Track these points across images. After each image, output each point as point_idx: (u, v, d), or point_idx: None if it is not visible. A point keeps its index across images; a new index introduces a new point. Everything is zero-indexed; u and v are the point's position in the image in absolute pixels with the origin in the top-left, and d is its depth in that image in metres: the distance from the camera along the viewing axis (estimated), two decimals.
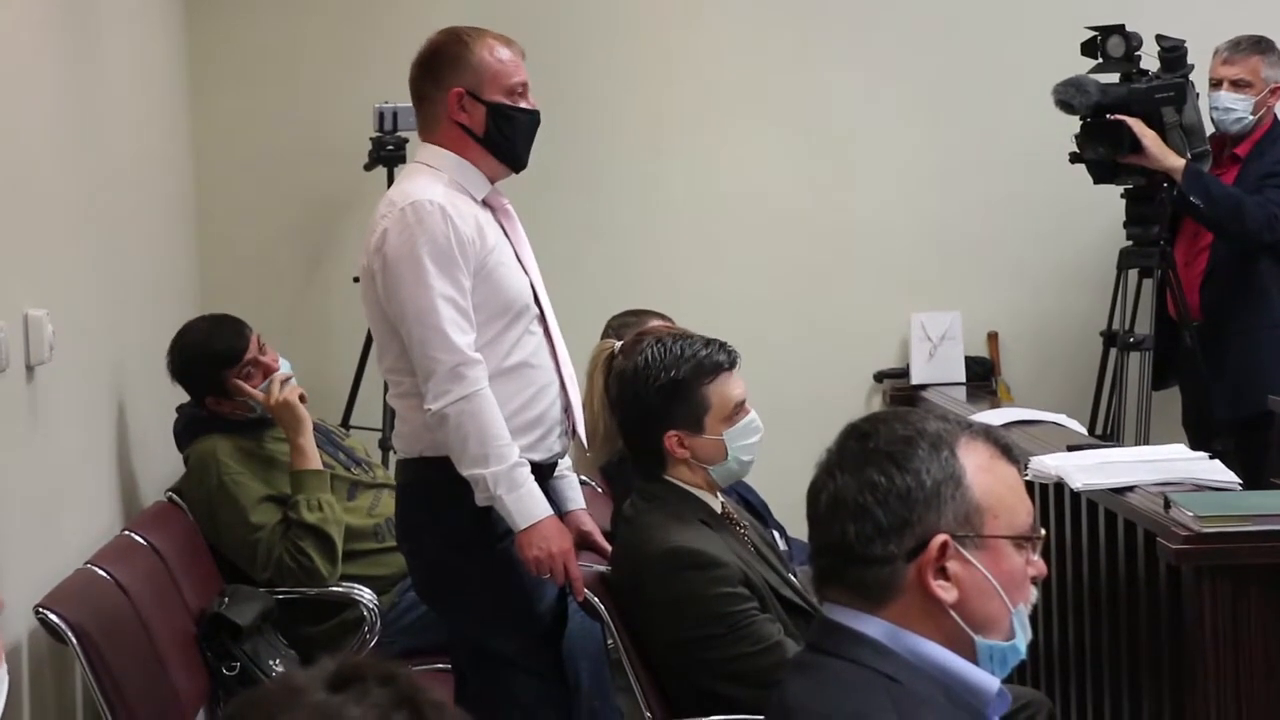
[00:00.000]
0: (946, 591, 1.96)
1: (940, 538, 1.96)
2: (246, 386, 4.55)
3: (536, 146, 3.76)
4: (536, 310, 3.67)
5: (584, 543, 3.75)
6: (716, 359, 3.52)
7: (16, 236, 3.62)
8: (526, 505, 3.49)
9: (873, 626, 1.98)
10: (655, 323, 4.56)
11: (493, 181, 3.69)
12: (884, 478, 1.97)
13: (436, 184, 3.58)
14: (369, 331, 5.58)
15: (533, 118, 3.69)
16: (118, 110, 4.68)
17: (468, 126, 3.64)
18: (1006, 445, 2.05)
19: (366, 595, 4.44)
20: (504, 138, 3.66)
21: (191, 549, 4.36)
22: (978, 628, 1.98)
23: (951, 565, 1.96)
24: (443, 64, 3.66)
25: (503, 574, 3.56)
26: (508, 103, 3.65)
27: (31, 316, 3.65)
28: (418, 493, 3.66)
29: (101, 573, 3.71)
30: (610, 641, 3.65)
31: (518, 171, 3.75)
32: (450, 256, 3.50)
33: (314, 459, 4.50)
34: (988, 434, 2.05)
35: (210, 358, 4.57)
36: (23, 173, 3.68)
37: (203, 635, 4.11)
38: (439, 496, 3.56)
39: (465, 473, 3.48)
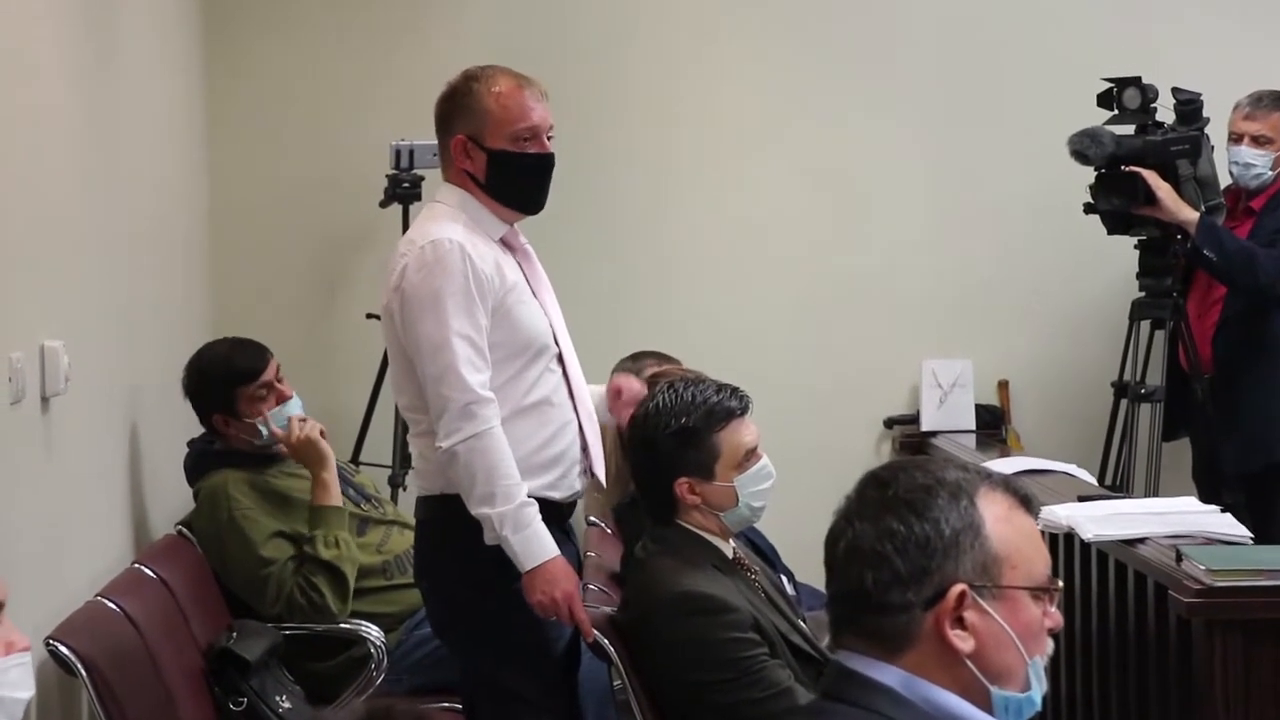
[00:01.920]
0: (963, 641, 1.96)
1: (958, 587, 1.95)
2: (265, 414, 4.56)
3: (550, 192, 3.75)
4: (555, 350, 3.67)
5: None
6: (728, 405, 3.52)
7: (36, 268, 3.63)
8: (532, 546, 3.49)
9: (889, 675, 1.98)
10: (656, 366, 4.56)
11: (511, 223, 3.70)
12: (903, 526, 1.97)
13: (455, 224, 3.60)
14: (380, 368, 5.62)
15: (541, 161, 3.67)
16: (136, 144, 4.71)
17: (471, 173, 3.66)
18: (1026, 496, 2.05)
19: (374, 632, 4.43)
20: (506, 184, 3.65)
21: (200, 583, 4.36)
22: (994, 678, 1.97)
23: (969, 615, 1.96)
24: (452, 108, 3.68)
25: (518, 611, 3.55)
26: (510, 149, 3.63)
27: (48, 348, 3.67)
28: (437, 529, 3.67)
29: (111, 605, 3.71)
30: (618, 683, 3.65)
31: (531, 214, 3.75)
32: (468, 294, 3.52)
33: (336, 495, 4.51)
34: (1007, 484, 2.05)
35: (228, 371, 4.58)
36: (43, 205, 3.70)
37: (211, 670, 4.10)
38: (457, 533, 3.56)
39: (474, 511, 3.49)
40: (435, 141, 5.53)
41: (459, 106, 3.66)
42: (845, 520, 2.03)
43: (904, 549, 1.97)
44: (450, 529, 3.59)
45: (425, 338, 3.51)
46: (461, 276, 3.51)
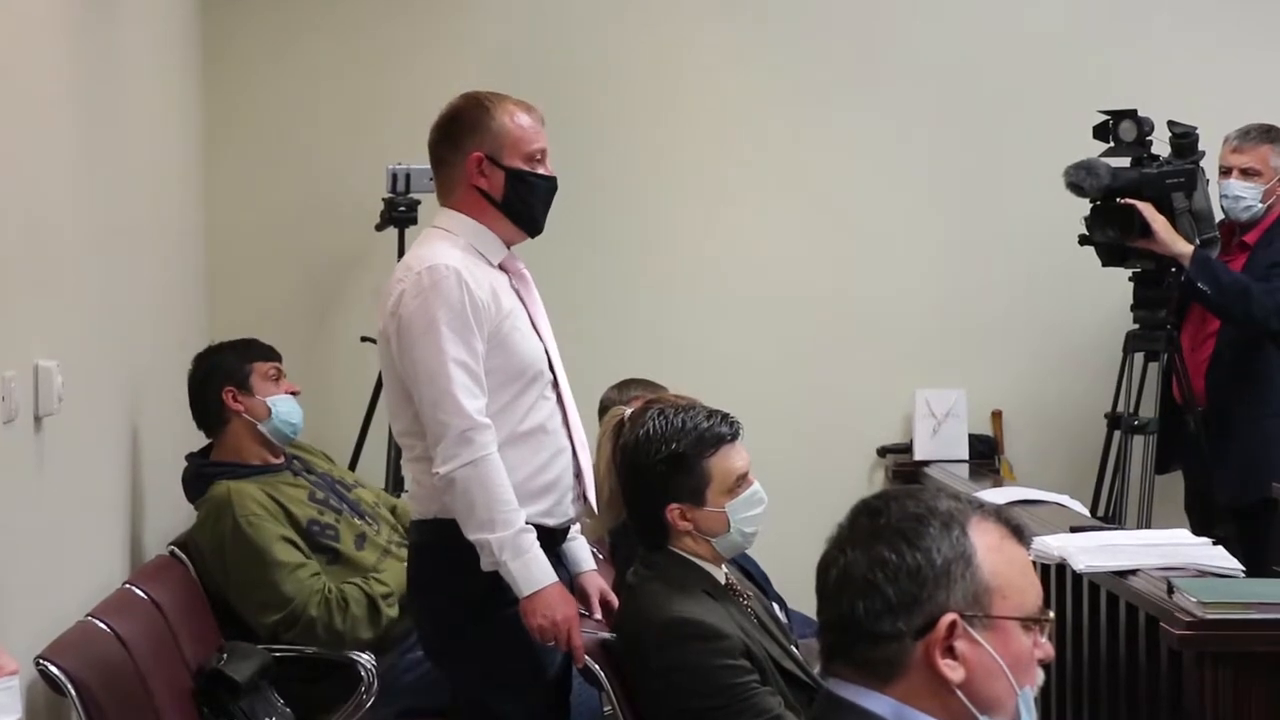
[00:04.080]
0: (954, 671, 1.96)
1: (949, 617, 1.96)
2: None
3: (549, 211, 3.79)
4: (550, 376, 3.68)
5: (587, 605, 3.75)
6: (718, 431, 3.52)
7: (31, 287, 3.63)
8: (531, 572, 3.49)
9: (879, 704, 1.98)
10: (643, 394, 4.56)
11: (509, 246, 3.71)
12: (894, 555, 1.98)
13: (453, 249, 3.60)
14: (375, 390, 5.63)
15: (550, 184, 3.71)
16: (132, 166, 4.71)
17: (486, 191, 3.66)
18: (1018, 526, 2.05)
19: (365, 656, 4.43)
20: (522, 203, 3.68)
21: (191, 604, 4.36)
22: (983, 708, 1.97)
23: (959, 645, 1.96)
24: (462, 128, 3.69)
25: (510, 636, 3.55)
26: (526, 169, 3.67)
27: (42, 367, 3.67)
28: (431, 553, 3.66)
29: (102, 625, 3.70)
30: (608, 709, 3.64)
31: (533, 236, 3.77)
32: (464, 321, 3.52)
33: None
34: (999, 515, 2.05)
35: (247, 346, 4.73)
36: (38, 226, 3.70)
37: (200, 691, 4.10)
38: (451, 558, 3.56)
39: (471, 537, 3.49)
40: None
41: (470, 125, 3.67)
42: (837, 548, 2.04)
43: (895, 578, 1.97)
44: (444, 553, 3.59)
45: (422, 363, 3.51)
46: (458, 302, 3.52)
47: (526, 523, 3.51)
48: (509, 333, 3.59)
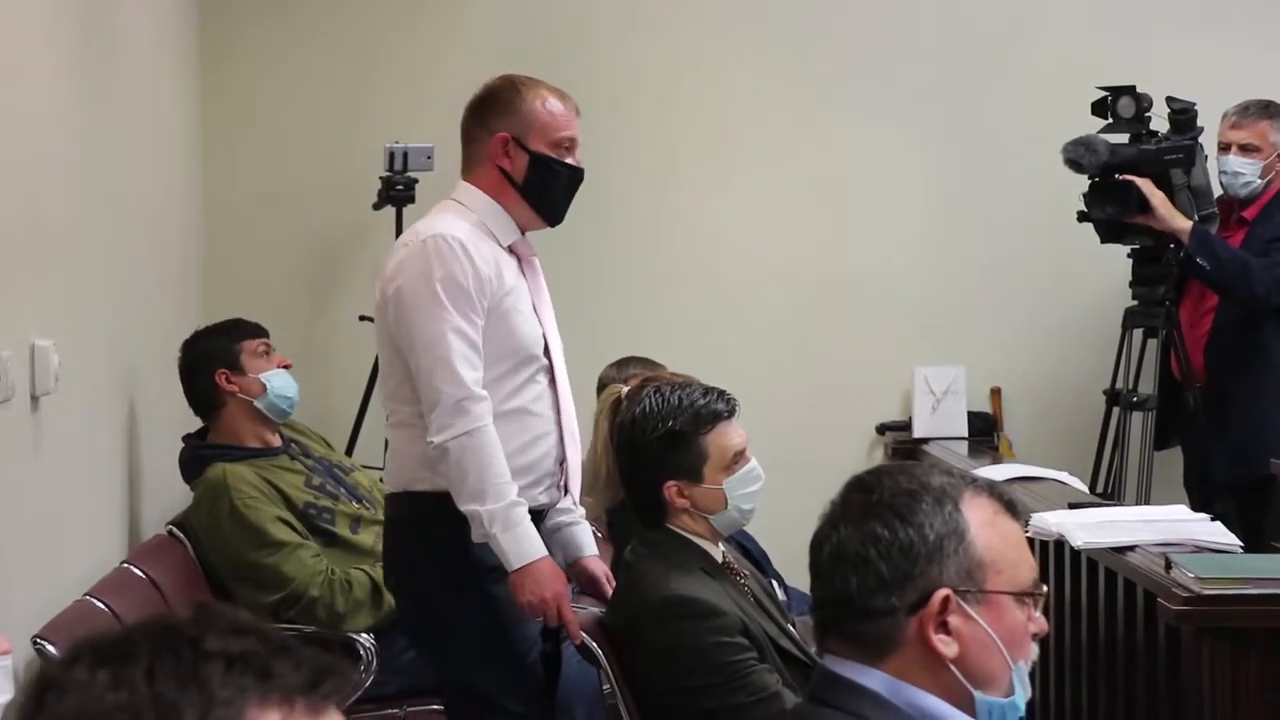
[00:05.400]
0: (947, 646, 1.96)
1: (942, 592, 1.95)
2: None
3: None
4: (545, 362, 3.66)
5: (596, 590, 3.75)
6: (715, 408, 3.51)
7: (27, 266, 3.63)
8: (522, 545, 3.48)
9: (873, 679, 1.98)
10: (641, 372, 4.56)
11: (523, 231, 3.70)
12: (887, 530, 1.98)
13: (463, 222, 3.59)
14: (373, 371, 5.61)
15: (574, 174, 3.70)
16: (129, 146, 4.71)
17: (508, 172, 3.65)
18: (1010, 501, 2.05)
19: (364, 635, 4.43)
20: (543, 189, 3.67)
21: (189, 583, 4.36)
22: (978, 683, 1.97)
23: (953, 620, 1.96)
24: (493, 107, 3.68)
25: (488, 612, 3.55)
26: (552, 155, 3.66)
27: (38, 347, 3.66)
28: (410, 527, 3.65)
29: (100, 605, 3.71)
30: (606, 687, 3.65)
31: (552, 225, 3.76)
32: (465, 291, 3.51)
33: None
34: (991, 489, 2.05)
35: (234, 326, 4.72)
36: (36, 205, 3.70)
37: None
38: (431, 532, 3.56)
39: (463, 508, 3.47)
40: (429, 145, 5.64)
41: (502, 106, 3.67)
42: (830, 525, 2.03)
43: (888, 554, 1.97)
44: (424, 527, 3.58)
45: (420, 331, 3.50)
46: (461, 274, 3.51)
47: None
48: (508, 310, 3.58)
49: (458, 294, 3.50)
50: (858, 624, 1.98)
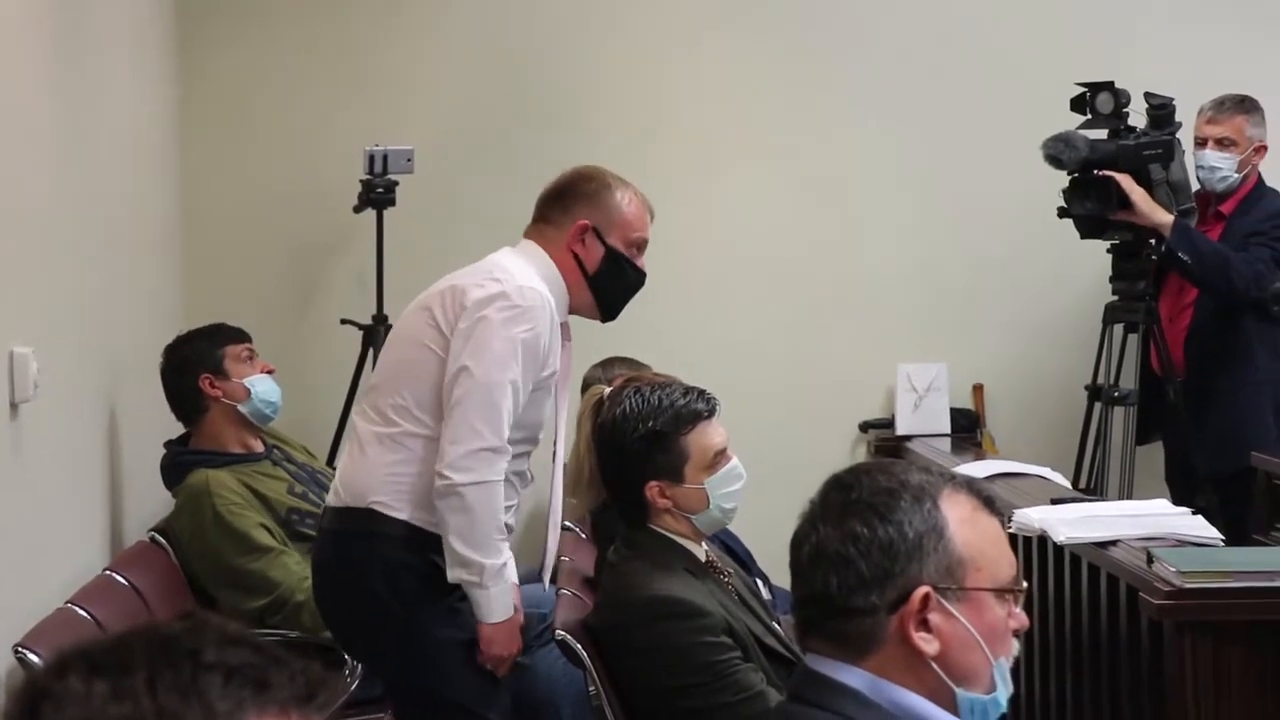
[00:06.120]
0: (928, 644, 1.96)
1: (922, 589, 1.96)
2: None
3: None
4: (537, 445, 3.75)
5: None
6: (695, 408, 3.52)
7: (5, 273, 3.62)
8: (504, 602, 3.57)
9: (854, 678, 1.98)
10: (625, 373, 4.57)
11: (570, 315, 3.77)
12: (866, 529, 1.98)
13: (545, 288, 3.65)
14: (355, 374, 5.61)
15: (640, 277, 3.79)
16: (108, 150, 4.69)
17: (581, 259, 3.72)
18: (989, 498, 2.06)
19: None
20: (611, 284, 3.76)
21: (172, 589, 4.35)
22: (959, 680, 1.98)
23: (933, 617, 1.96)
24: (580, 194, 3.76)
25: (465, 627, 3.60)
26: (625, 253, 3.75)
27: (17, 354, 3.65)
28: (357, 543, 3.65)
29: (81, 612, 3.69)
30: (591, 688, 3.64)
31: (606, 321, 3.87)
32: (536, 359, 3.58)
33: None
34: (970, 486, 2.05)
35: (216, 331, 4.72)
36: (12, 210, 3.69)
37: None
38: (385, 554, 3.59)
39: (462, 552, 3.51)
40: (409, 147, 5.64)
41: (589, 194, 3.75)
42: (809, 524, 2.04)
43: (867, 552, 1.97)
44: (392, 546, 3.59)
45: (484, 370, 3.51)
46: (541, 339, 3.58)
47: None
48: (541, 393, 3.65)
49: (531, 357, 3.56)
50: (838, 623, 1.99)
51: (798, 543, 2.05)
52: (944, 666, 1.97)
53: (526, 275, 3.63)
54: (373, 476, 3.62)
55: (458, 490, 3.48)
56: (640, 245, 3.77)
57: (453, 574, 3.53)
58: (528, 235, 3.79)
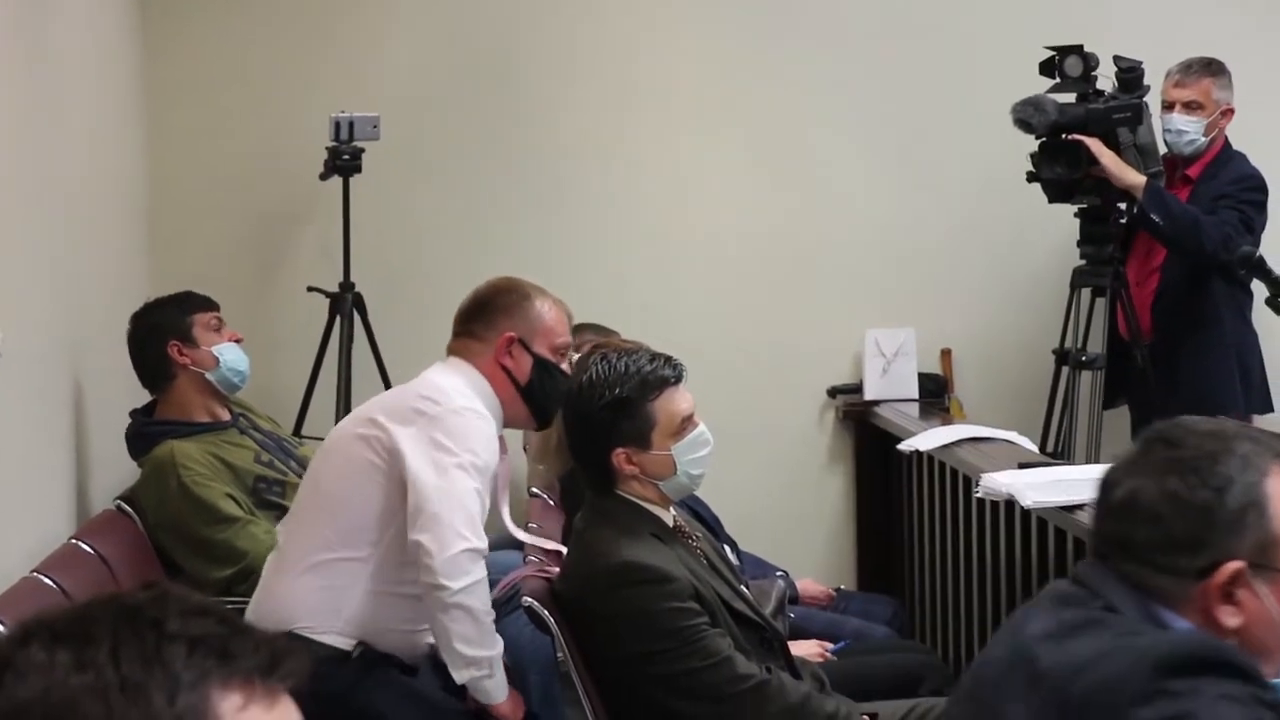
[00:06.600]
0: (1232, 618, 1.91)
1: (1235, 565, 1.90)
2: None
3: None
4: None
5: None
6: (661, 374, 3.52)
7: None
8: (505, 679, 3.69)
9: (1124, 598, 1.95)
10: (594, 339, 4.57)
11: (505, 426, 3.82)
12: (1186, 489, 1.92)
13: (483, 405, 3.72)
14: (322, 342, 5.59)
15: (568, 382, 3.77)
16: (71, 118, 4.65)
17: (512, 372, 3.77)
18: None
19: None
20: (543, 392, 3.79)
21: (140, 558, 4.33)
22: (1250, 656, 1.91)
23: (1240, 592, 1.90)
24: (500, 307, 3.81)
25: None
26: (553, 360, 3.79)
27: None
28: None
29: (48, 581, 3.68)
30: (560, 655, 3.65)
31: (540, 428, 3.96)
32: (484, 473, 3.65)
33: None
34: None
35: (185, 299, 4.70)
36: None
37: None
38: (352, 690, 3.65)
39: (470, 654, 3.59)
40: (375, 114, 5.61)
41: (510, 306, 3.81)
42: (1124, 470, 1.98)
43: (1183, 514, 1.91)
44: (336, 688, 3.60)
45: (448, 486, 3.57)
46: (486, 458, 3.64)
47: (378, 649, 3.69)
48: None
49: (478, 471, 3.62)
50: (1136, 568, 1.94)
51: (1109, 484, 1.99)
52: (1240, 640, 1.91)
53: (466, 393, 3.72)
54: (305, 605, 3.70)
55: (459, 602, 3.56)
56: (563, 350, 3.84)
57: (461, 675, 3.62)
58: (453, 352, 3.85)
